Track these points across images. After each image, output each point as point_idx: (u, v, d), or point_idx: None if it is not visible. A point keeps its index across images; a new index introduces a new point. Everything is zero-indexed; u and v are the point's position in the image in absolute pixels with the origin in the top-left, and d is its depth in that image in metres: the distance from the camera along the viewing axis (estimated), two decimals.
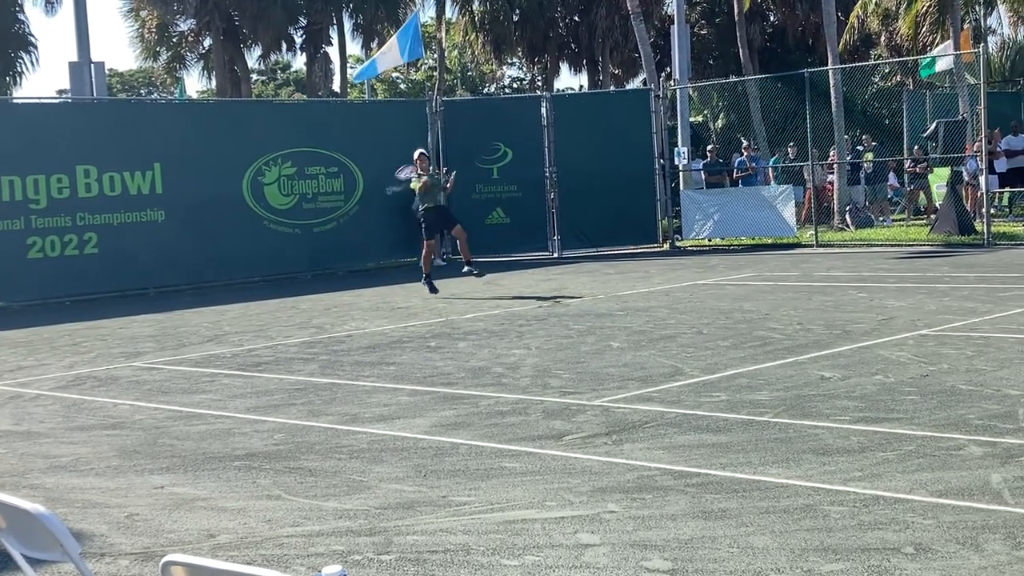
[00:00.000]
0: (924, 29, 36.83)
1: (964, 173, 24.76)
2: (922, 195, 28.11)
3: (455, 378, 10.08)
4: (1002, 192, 26.31)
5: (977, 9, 41.24)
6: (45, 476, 7.21)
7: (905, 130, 30.57)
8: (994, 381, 8.62)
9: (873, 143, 28.64)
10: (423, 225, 17.18)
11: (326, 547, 5.47)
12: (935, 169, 26.48)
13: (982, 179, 22.76)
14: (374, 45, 44.97)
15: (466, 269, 17.49)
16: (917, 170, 27.21)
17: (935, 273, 16.87)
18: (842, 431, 7.32)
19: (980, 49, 24.29)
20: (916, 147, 27.70)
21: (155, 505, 6.39)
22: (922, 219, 26.62)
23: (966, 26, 36.02)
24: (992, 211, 22.79)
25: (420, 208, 17.22)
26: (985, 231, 21.51)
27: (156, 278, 20.65)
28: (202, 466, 7.25)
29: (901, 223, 27.05)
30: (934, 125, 24.89)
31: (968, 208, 23.73)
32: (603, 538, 5.41)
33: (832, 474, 6.33)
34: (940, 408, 7.82)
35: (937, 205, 25.05)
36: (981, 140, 22.47)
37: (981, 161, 22.40)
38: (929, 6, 35.31)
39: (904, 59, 37.30)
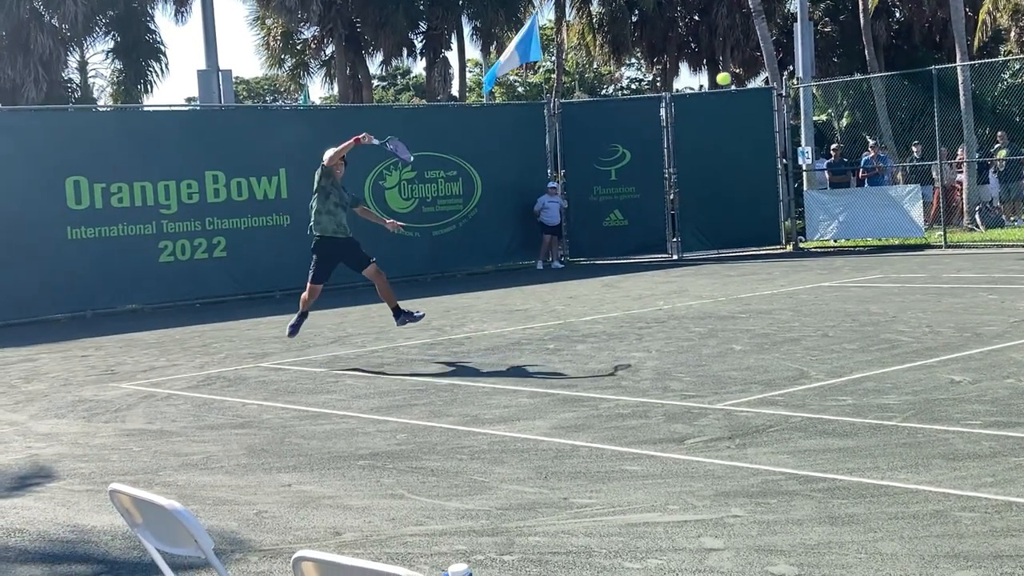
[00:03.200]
0: None
1: None
2: None
3: (574, 380, 10.08)
4: None
5: None
6: (177, 474, 7.40)
7: None
8: None
9: (1008, 140, 27.85)
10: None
11: (449, 546, 5.52)
12: None
13: None
14: (493, 49, 45.21)
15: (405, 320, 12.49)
16: None
17: None
18: (973, 436, 7.13)
19: None
20: None
21: (283, 503, 6.51)
22: None
23: None
24: None
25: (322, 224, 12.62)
26: None
27: (282, 281, 21.04)
28: (328, 465, 7.37)
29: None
30: None
31: None
32: (727, 542, 5.36)
33: (963, 479, 6.17)
34: None
35: None
36: None
37: None
38: None
39: None
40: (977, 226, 25.03)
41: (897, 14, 43.81)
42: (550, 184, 24.08)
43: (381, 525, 5.95)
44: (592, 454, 7.27)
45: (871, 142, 29.40)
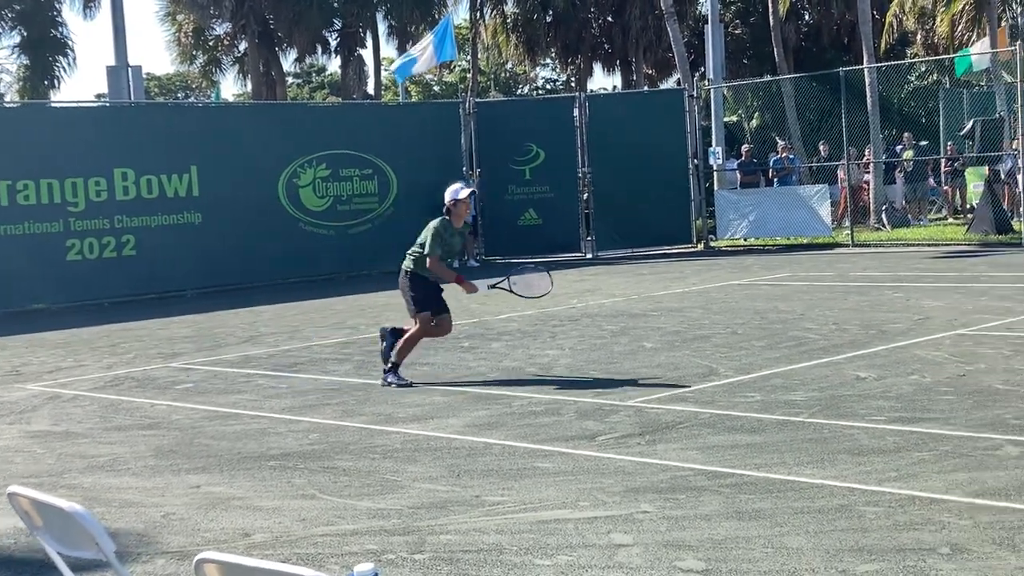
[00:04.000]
0: (961, 27, 36.54)
1: (1001, 172, 24.54)
2: (959, 194, 27.87)
3: (489, 378, 10.09)
4: None
5: (1014, 7, 40.84)
6: (83, 476, 7.28)
7: (941, 129, 30.32)
8: None
9: (914, 142, 28.43)
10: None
11: (360, 546, 5.50)
12: (972, 168, 26.25)
13: (1019, 177, 22.56)
14: (409, 47, 45.09)
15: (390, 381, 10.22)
16: (955, 167, 26.99)
17: (972, 272, 16.74)
18: (878, 431, 7.28)
19: (1017, 47, 24.03)
20: (950, 144, 27.47)
21: (191, 504, 6.43)
22: (960, 219, 26.40)
23: (1003, 24, 35.69)
24: None
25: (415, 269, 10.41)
26: (1023, 230, 21.30)
27: (193, 280, 20.78)
28: (238, 466, 7.30)
29: (939, 222, 26.84)
30: (971, 123, 24.66)
31: (1005, 207, 23.51)
32: (636, 538, 5.40)
33: (867, 474, 6.30)
34: (977, 408, 7.76)
35: (973, 204, 24.85)
36: (1019, 138, 22.26)
37: (1019, 159, 22.21)
38: (966, 4, 35.03)
39: (941, 57, 37.00)
40: (883, 225, 25.52)
41: (806, 17, 44.53)
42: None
43: (291, 526, 5.91)
44: (505, 452, 7.29)
45: (780, 143, 29.86)
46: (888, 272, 17.60)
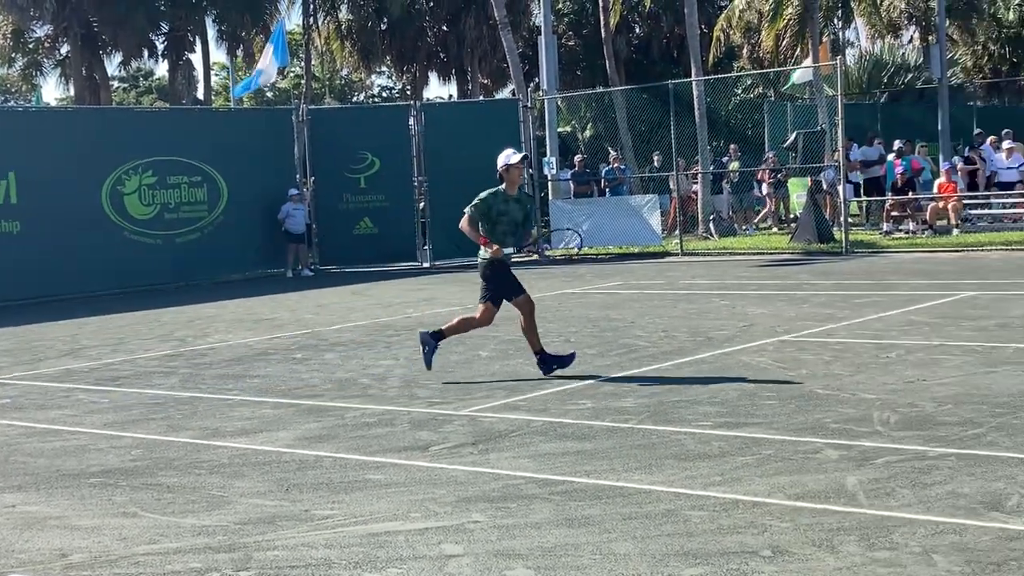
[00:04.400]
0: (785, 42, 37.73)
1: (823, 182, 25.41)
2: (782, 204, 28.73)
3: (321, 390, 9.96)
4: (858, 201, 27.08)
5: (836, 23, 42.38)
6: None
7: (766, 140, 31.25)
8: (850, 385, 8.84)
9: (739, 153, 29.24)
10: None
11: (183, 564, 5.33)
12: (795, 179, 27.11)
13: (840, 188, 23.40)
14: (239, 52, 44.35)
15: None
16: (779, 178, 27.83)
17: (795, 280, 17.27)
18: (703, 436, 7.42)
19: (838, 62, 24.95)
20: (771, 155, 28.33)
21: (5, 525, 6.15)
22: (785, 228, 27.23)
23: (825, 39, 36.99)
24: (849, 220, 23.43)
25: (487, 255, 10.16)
26: (843, 239, 22.10)
27: (12, 290, 20.00)
28: (55, 484, 7.02)
29: (765, 232, 27.64)
30: (794, 135, 25.47)
31: (827, 216, 24.35)
32: (467, 548, 5.38)
33: (693, 479, 6.41)
34: (798, 412, 7.98)
35: (797, 214, 25.66)
36: (839, 150, 23.10)
37: (839, 171, 23.03)
38: (790, 20, 36.20)
39: (766, 71, 38.16)
40: (711, 235, 26.17)
41: (637, 30, 45.41)
42: (292, 191, 23.76)
43: (111, 545, 5.70)
44: (336, 464, 7.19)
45: (612, 153, 30.34)
46: (715, 280, 18.03)
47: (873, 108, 37.40)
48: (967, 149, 26.61)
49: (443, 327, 10.33)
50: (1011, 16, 44.67)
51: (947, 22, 37.29)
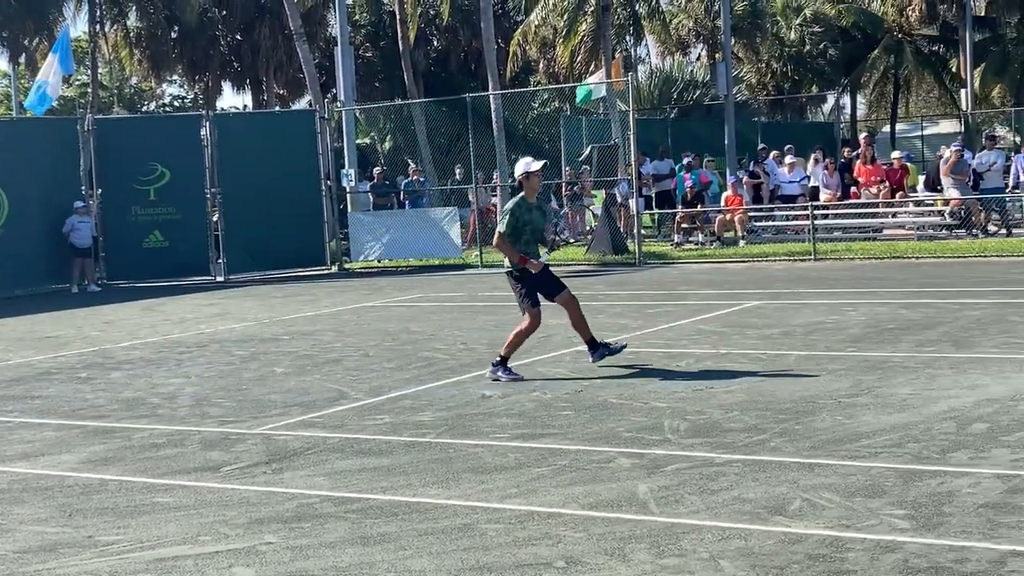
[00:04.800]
0: (580, 58, 38.51)
1: (617, 195, 25.98)
2: (579, 217, 29.26)
3: (107, 410, 9.60)
4: (650, 213, 27.80)
5: (628, 40, 43.49)
6: None
7: (563, 154, 31.76)
8: (643, 394, 9.03)
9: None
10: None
11: None
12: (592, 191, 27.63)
13: (632, 201, 23.97)
14: (22, 60, 42.58)
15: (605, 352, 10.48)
16: (576, 191, 28.33)
17: (591, 291, 17.56)
18: (500, 449, 7.45)
19: (630, 78, 25.60)
20: (568, 169, 28.83)
21: None
22: (580, 240, 27.71)
23: (618, 55, 37.91)
24: (642, 232, 24.02)
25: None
26: (636, 251, 22.64)
27: None
28: None
29: (562, 244, 28.06)
30: (589, 149, 26.00)
31: (621, 228, 24.92)
32: (259, 571, 5.26)
33: (490, 492, 6.42)
34: (593, 422, 8.10)
35: (593, 227, 26.15)
36: (632, 164, 23.65)
37: (633, 184, 23.58)
38: (584, 36, 36.97)
39: (561, 86, 38.84)
40: None
41: (435, 43, 45.59)
42: (78, 204, 22.91)
43: None
44: (122, 488, 6.93)
45: (412, 165, 30.36)
46: (511, 292, 18.13)
47: (664, 123, 38.48)
48: (752, 163, 27.61)
49: (501, 352, 10.13)
50: (792, 36, 46.69)
51: (732, 41, 38.68)
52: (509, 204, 10.27)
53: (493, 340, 12.55)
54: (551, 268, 10.78)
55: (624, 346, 10.63)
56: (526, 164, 10.25)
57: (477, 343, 12.44)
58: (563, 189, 28.56)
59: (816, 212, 22.53)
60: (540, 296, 10.38)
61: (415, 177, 28.59)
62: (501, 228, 10.12)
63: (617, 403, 8.74)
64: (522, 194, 10.19)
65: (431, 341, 12.82)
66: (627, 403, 8.73)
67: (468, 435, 7.92)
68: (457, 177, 28.88)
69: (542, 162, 10.34)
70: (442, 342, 12.69)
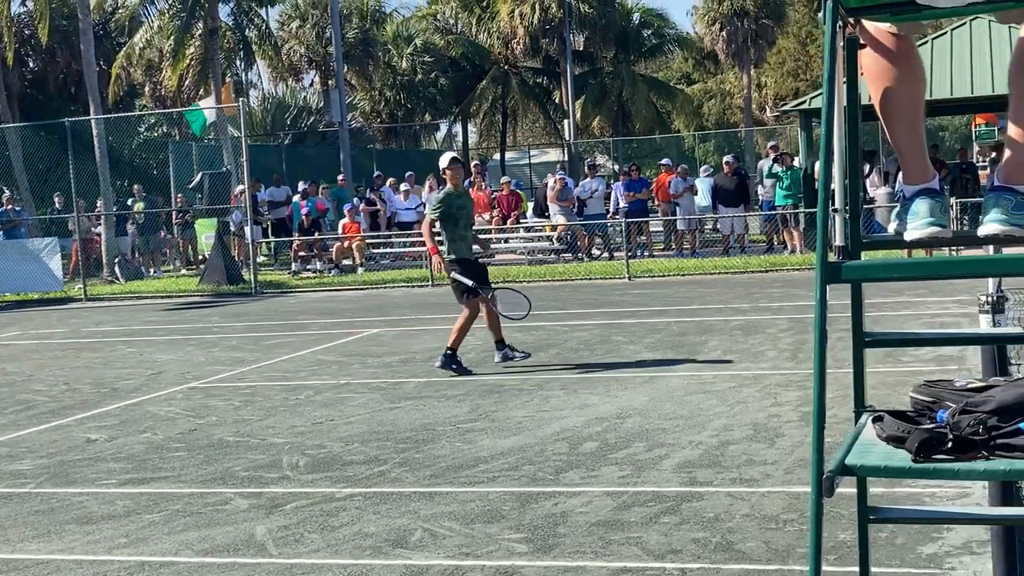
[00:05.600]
0: (189, 81, 37.50)
1: (231, 224, 25.44)
2: (190, 246, 28.43)
3: None
4: (267, 242, 27.41)
5: (238, 64, 42.81)
6: None
7: (172, 181, 30.77)
8: (260, 431, 8.78)
9: (144, 193, 28.53)
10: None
11: None
12: (202, 220, 26.90)
13: (247, 229, 23.52)
14: None
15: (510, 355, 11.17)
16: (186, 219, 27.51)
17: (205, 324, 17.05)
18: (108, 496, 7.01)
19: (242, 103, 25.12)
20: (180, 195, 28.00)
21: None
22: (193, 270, 26.92)
23: (228, 80, 37.23)
24: (259, 260, 23.62)
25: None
26: (252, 280, 22.21)
27: None
28: None
29: (171, 273, 27.16)
30: (200, 176, 25.28)
31: (236, 258, 24.39)
32: None
33: (96, 544, 6.01)
34: (208, 462, 7.78)
35: (205, 255, 25.47)
36: (246, 191, 23.22)
37: (247, 212, 23.14)
38: (192, 60, 36.02)
39: (169, 110, 37.68)
40: (117, 278, 25.26)
41: (31, 64, 43.03)
42: None
43: None
44: None
45: (6, 194, 28.42)
46: (122, 327, 17.35)
47: (278, 150, 38.15)
48: (368, 190, 27.84)
49: (449, 344, 10.87)
50: (404, 64, 47.55)
51: (345, 68, 38.92)
52: (438, 194, 11.39)
53: (99, 379, 11.88)
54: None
55: (528, 355, 11.15)
56: (441, 160, 11.18)
57: (81, 382, 11.73)
58: (173, 217, 27.64)
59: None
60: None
61: (9, 207, 26.77)
62: (429, 214, 11.18)
63: (233, 441, 8.45)
64: (449, 186, 11.07)
65: (30, 382, 11.97)
66: (244, 440, 8.45)
67: (72, 483, 7.40)
68: (57, 206, 27.29)
69: (451, 155, 11.20)
70: (42, 383, 11.87)
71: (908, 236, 2.75)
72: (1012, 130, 2.71)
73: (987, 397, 2.42)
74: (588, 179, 25.09)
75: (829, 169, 2.62)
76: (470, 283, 10.81)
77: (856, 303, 2.87)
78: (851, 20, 2.68)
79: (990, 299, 3.70)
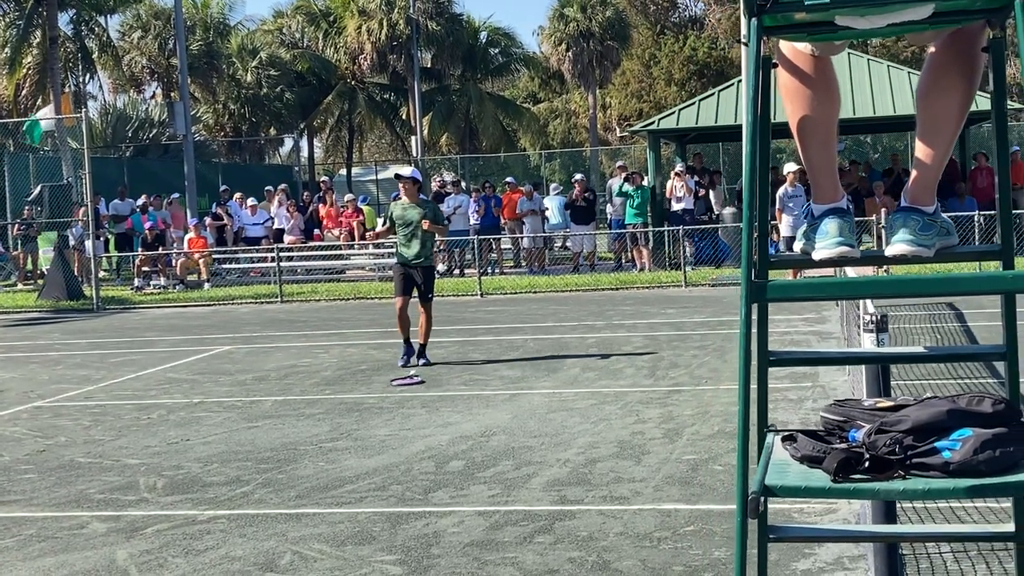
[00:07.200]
0: (26, 91, 36.26)
1: (71, 237, 24.61)
2: (31, 259, 27.40)
3: None
4: (108, 256, 26.61)
5: (78, 74, 41.53)
6: None
7: (8, 193, 29.60)
8: (113, 451, 8.47)
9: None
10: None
11: None
12: (42, 233, 25.95)
13: (88, 244, 22.78)
14: None
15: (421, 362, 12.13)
16: (29, 233, 26.51)
17: (46, 340, 16.43)
18: None
19: (82, 114, 24.35)
20: (27, 208, 27.00)
21: None
22: (31, 284, 25.93)
23: (67, 90, 36.08)
24: (100, 275, 22.90)
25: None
26: (94, 296, 21.51)
27: None
28: None
29: (8, 289, 26.13)
30: (39, 189, 24.40)
31: (76, 273, 23.60)
32: None
33: None
34: (60, 485, 7.47)
35: (45, 270, 24.59)
36: (87, 204, 22.49)
37: (89, 226, 22.42)
38: (29, 69, 34.85)
39: (5, 121, 36.36)
40: None
41: None
42: None
43: None
44: None
45: None
46: None
47: (120, 162, 37.10)
48: (215, 205, 27.28)
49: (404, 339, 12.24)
50: (249, 78, 46.78)
51: (189, 80, 38.11)
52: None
53: None
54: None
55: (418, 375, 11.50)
56: (401, 173, 12.46)
57: None
58: (12, 229, 26.62)
59: (281, 254, 22.57)
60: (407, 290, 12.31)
61: None
62: (382, 224, 12.50)
63: (86, 462, 8.13)
64: (403, 198, 12.17)
65: None
66: (97, 461, 8.14)
67: None
68: None
69: (410, 168, 13.15)
70: None
71: (816, 256, 2.78)
72: (920, 150, 2.77)
73: (902, 416, 2.45)
74: (452, 195, 25.07)
75: (753, 188, 2.63)
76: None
77: (761, 322, 2.88)
78: (766, 39, 2.71)
79: (873, 319, 3.78)
